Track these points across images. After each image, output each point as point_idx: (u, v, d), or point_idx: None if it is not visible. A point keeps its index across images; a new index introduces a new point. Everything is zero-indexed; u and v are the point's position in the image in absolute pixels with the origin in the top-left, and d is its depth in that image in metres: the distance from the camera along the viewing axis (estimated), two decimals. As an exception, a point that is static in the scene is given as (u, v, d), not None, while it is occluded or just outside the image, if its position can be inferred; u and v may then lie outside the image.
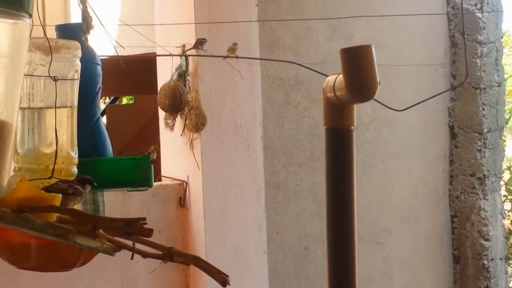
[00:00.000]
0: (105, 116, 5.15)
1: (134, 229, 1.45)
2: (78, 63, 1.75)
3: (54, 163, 1.64)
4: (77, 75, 1.73)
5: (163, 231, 3.91)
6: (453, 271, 5.20)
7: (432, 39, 5.06)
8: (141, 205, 3.88)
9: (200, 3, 3.87)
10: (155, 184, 2.93)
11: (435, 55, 5.07)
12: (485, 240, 5.13)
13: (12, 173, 1.57)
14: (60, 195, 1.57)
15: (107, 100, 5.94)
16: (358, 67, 1.47)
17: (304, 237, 4.52)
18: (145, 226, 1.45)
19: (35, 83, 1.66)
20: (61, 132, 1.70)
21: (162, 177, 4.04)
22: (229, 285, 1.51)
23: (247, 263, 4.06)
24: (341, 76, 1.52)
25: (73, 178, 1.70)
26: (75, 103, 1.73)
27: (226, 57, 3.84)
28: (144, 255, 1.52)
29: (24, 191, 1.47)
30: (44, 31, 1.72)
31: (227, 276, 1.51)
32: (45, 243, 1.57)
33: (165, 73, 3.94)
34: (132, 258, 1.49)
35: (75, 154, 1.73)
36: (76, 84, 1.73)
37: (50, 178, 1.62)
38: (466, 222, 5.15)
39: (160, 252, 1.52)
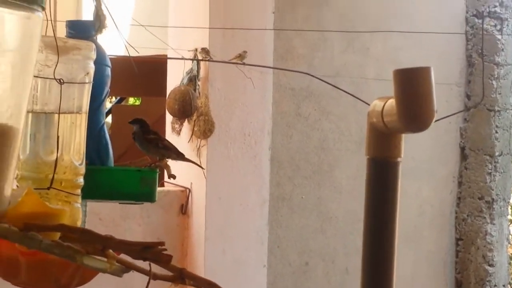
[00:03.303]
0: (110, 116, 5.06)
1: (151, 254, 1.34)
2: (91, 65, 1.63)
3: (54, 172, 1.52)
4: (88, 79, 1.61)
5: (163, 238, 3.80)
6: (454, 296, 5.09)
7: (448, 58, 4.95)
8: (141, 210, 3.79)
9: (216, 7, 3.78)
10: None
11: (451, 74, 4.96)
12: (489, 265, 5.02)
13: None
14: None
15: (113, 99, 5.85)
16: (414, 92, 1.31)
17: (306, 252, 4.42)
18: (164, 252, 1.34)
19: (40, 85, 1.54)
20: (66, 139, 1.58)
21: (164, 183, 3.94)
22: None
23: (246, 275, 3.96)
24: (391, 100, 1.36)
25: (77, 189, 1.59)
26: (84, 109, 1.61)
27: (237, 63, 3.74)
28: (154, 276, 1.39)
29: (31, 205, 1.34)
30: (53, 29, 1.60)
31: None
32: (35, 259, 1.46)
33: (175, 76, 3.84)
34: (147, 287, 1.37)
35: (81, 164, 1.60)
36: (87, 88, 1.61)
37: (48, 188, 1.50)
38: (471, 246, 5.04)
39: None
